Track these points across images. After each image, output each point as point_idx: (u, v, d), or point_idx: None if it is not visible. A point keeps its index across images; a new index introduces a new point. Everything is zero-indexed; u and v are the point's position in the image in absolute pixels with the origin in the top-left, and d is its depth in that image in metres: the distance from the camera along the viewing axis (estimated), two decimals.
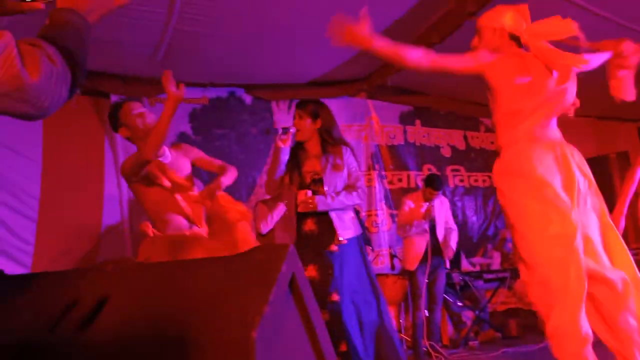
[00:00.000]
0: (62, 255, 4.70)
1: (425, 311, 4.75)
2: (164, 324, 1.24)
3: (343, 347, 2.80)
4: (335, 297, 2.87)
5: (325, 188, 3.06)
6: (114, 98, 5.23)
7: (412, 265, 4.74)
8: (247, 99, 5.81)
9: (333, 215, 3.04)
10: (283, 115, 5.94)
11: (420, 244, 4.74)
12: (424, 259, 4.70)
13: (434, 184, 4.86)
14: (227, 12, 4.15)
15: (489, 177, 6.82)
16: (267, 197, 5.07)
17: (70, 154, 5.00)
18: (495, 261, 6.29)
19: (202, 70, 5.22)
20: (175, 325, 1.22)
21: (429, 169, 6.38)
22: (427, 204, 4.78)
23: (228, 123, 5.70)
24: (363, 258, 3.08)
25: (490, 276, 5.82)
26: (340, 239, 2.98)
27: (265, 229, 4.38)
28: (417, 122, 6.64)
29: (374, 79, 5.86)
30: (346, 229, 3.03)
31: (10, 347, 1.28)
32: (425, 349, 4.67)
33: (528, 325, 5.77)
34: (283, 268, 1.25)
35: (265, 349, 1.06)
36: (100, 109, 5.27)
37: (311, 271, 2.91)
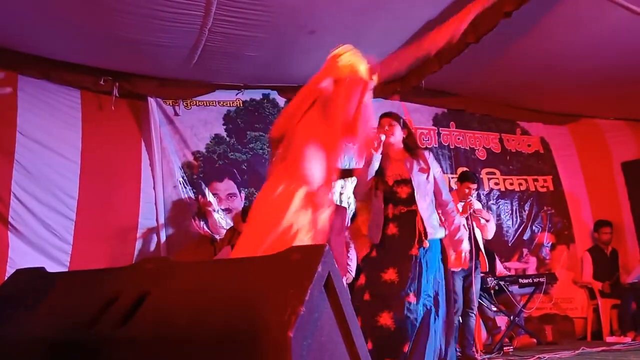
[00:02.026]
0: (99, 254, 4.80)
1: (460, 317, 4.67)
2: (202, 322, 1.25)
3: (405, 348, 2.87)
4: (412, 298, 2.94)
5: (414, 186, 3.14)
6: (150, 100, 5.34)
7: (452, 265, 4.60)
8: (281, 101, 5.84)
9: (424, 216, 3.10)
10: None
11: None
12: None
13: (470, 177, 4.80)
14: (262, 14, 4.18)
15: (525, 180, 6.70)
16: None
17: (108, 155, 5.12)
18: (531, 266, 6.17)
19: (236, 72, 5.27)
20: (212, 324, 1.23)
21: (479, 178, 6.31)
22: (465, 201, 4.71)
23: (262, 125, 5.74)
24: (444, 261, 3.17)
25: (525, 281, 5.70)
26: (425, 242, 3.05)
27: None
28: (452, 124, 6.57)
29: (408, 81, 5.81)
30: (431, 232, 3.09)
31: (52, 341, 1.32)
32: (458, 353, 4.60)
33: (564, 331, 5.64)
34: (319, 268, 1.25)
35: (301, 348, 1.06)
36: (137, 111, 5.38)
37: (391, 274, 2.99)
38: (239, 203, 5.48)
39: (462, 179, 4.87)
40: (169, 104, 5.43)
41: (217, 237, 5.27)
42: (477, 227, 4.74)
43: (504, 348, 5.29)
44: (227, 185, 5.50)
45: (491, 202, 6.47)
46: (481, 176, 6.50)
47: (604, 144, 6.80)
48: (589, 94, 6.20)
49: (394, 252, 3.05)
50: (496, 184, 6.58)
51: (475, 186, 4.81)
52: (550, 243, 6.29)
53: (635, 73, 5.22)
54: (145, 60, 4.90)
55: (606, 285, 5.96)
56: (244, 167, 5.58)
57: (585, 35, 4.79)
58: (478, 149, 6.62)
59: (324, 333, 1.22)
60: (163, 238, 5.12)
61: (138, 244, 5.11)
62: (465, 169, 6.31)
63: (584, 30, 4.70)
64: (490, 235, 4.88)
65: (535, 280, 5.72)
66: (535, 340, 5.51)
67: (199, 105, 5.55)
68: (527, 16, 4.43)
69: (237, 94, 5.66)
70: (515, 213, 6.53)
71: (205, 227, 5.28)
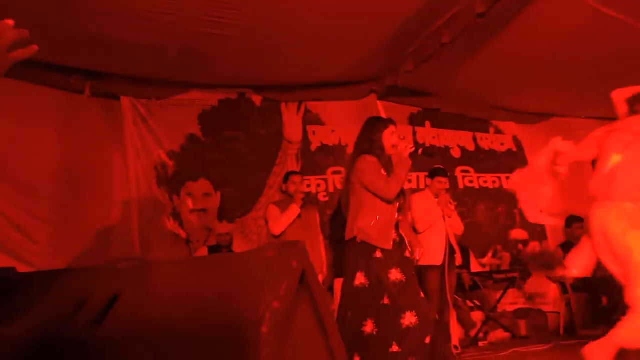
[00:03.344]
0: (72, 255, 4.72)
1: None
2: (176, 320, 1.25)
3: (427, 340, 3.06)
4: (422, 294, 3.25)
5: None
6: (124, 99, 5.27)
7: (431, 261, 4.63)
8: (257, 100, 5.83)
9: None
10: (292, 117, 5.96)
11: (436, 240, 4.67)
12: (438, 258, 4.65)
13: (440, 172, 4.84)
14: (237, 13, 4.17)
15: (499, 178, 6.80)
16: (277, 198, 5.08)
17: (81, 155, 5.04)
18: (505, 262, 6.27)
19: (212, 71, 5.24)
20: (186, 321, 1.23)
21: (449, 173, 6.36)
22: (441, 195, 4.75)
23: (238, 124, 5.72)
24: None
25: (500, 276, 5.80)
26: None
27: (277, 230, 4.37)
28: (427, 123, 6.63)
29: (385, 80, 5.86)
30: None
31: (25, 341, 1.30)
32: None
33: (537, 325, 5.74)
34: (294, 264, 1.26)
35: (276, 344, 1.07)
36: (110, 111, 5.30)
37: (396, 274, 3.08)
38: (214, 203, 5.45)
39: (432, 174, 4.91)
40: (143, 103, 5.37)
41: (192, 237, 5.23)
42: (449, 222, 4.78)
43: (479, 343, 5.38)
44: (202, 185, 5.46)
45: (466, 199, 6.55)
46: (456, 174, 6.58)
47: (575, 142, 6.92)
48: (561, 94, 6.34)
49: (399, 254, 3.17)
50: (470, 182, 6.67)
51: (445, 180, 4.85)
52: (523, 239, 6.40)
53: (605, 72, 5.34)
54: (118, 59, 4.84)
55: (578, 280, 6.09)
56: (220, 167, 5.55)
57: (557, 36, 4.88)
58: (453, 148, 6.70)
59: (299, 328, 1.23)
60: (137, 238, 5.06)
61: (112, 244, 5.05)
62: (439, 167, 6.37)
63: (555, 31, 4.79)
64: (460, 230, 4.93)
65: (509, 275, 5.82)
66: (509, 334, 5.60)
67: (174, 104, 5.51)
68: (501, 17, 4.51)
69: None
70: (490, 210, 6.62)
71: (180, 227, 5.24)
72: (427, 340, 3.05)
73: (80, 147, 5.05)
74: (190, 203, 5.36)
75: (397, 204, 3.28)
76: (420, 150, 3.42)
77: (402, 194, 3.33)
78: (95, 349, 1.25)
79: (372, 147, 3.29)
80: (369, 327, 2.99)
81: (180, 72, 5.20)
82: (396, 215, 3.26)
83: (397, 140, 3.35)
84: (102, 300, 1.36)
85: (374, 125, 3.39)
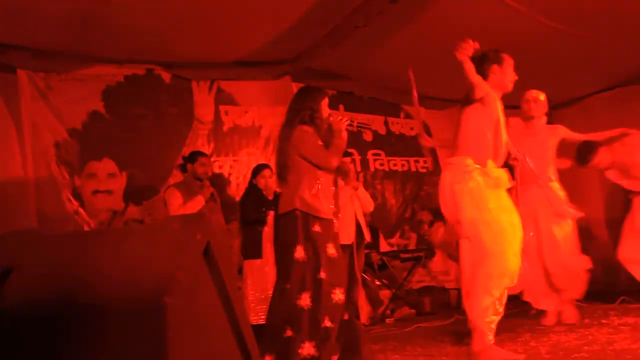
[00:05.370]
0: None
1: None
2: (75, 293, 1.20)
3: (346, 316, 3.25)
4: None
5: None
6: (21, 73, 4.91)
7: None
8: (166, 77, 5.62)
9: None
10: (204, 96, 5.81)
11: (345, 220, 4.78)
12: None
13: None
14: None
15: (407, 161, 7.05)
16: (178, 180, 4.92)
17: None
18: (412, 242, 6.54)
19: (117, 45, 4.98)
20: (87, 294, 1.19)
21: (351, 153, 6.48)
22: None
23: (145, 102, 5.49)
24: None
25: (406, 256, 6.05)
26: None
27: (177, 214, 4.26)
28: (341, 106, 6.72)
29: (299, 62, 5.86)
30: None
31: None
32: None
33: (441, 301, 6.06)
34: (197, 236, 1.24)
35: (179, 314, 1.05)
36: (4, 85, 4.91)
37: (331, 248, 3.14)
38: (120, 184, 5.22)
39: None
40: (42, 77, 5.02)
41: (94, 220, 4.99)
42: (358, 200, 4.92)
43: (386, 319, 5.59)
44: (106, 165, 5.20)
45: (376, 181, 6.75)
46: (368, 157, 6.75)
47: None
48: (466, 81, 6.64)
49: (333, 229, 3.23)
50: (381, 164, 6.86)
51: (348, 159, 4.97)
52: (429, 220, 6.70)
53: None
54: (15, 29, 4.47)
55: None
56: (125, 146, 5.31)
57: (466, 24, 5.09)
58: (365, 132, 6.85)
59: (203, 299, 1.22)
60: (35, 220, 4.75)
61: (8, 227, 4.70)
62: (352, 150, 6.50)
63: (465, 19, 5.00)
64: (370, 207, 5.09)
65: (415, 255, 6.08)
66: (414, 311, 5.86)
67: (76, 79, 5.19)
68: (414, 3, 4.63)
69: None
70: (398, 192, 6.87)
71: (81, 209, 4.97)
72: (346, 316, 3.20)
73: None
74: (93, 184, 5.09)
75: (334, 176, 3.32)
76: (355, 123, 3.49)
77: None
78: None
79: (313, 117, 3.26)
80: (304, 300, 3.00)
81: (84, 44, 4.89)
82: (333, 187, 3.30)
83: (328, 111, 3.37)
84: None
85: (311, 95, 3.36)
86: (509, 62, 3.38)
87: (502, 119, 3.28)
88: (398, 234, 6.71)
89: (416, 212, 6.87)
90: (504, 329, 3.90)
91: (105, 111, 5.28)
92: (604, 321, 3.88)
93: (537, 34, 4.90)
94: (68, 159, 5.05)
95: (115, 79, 5.37)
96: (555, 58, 5.54)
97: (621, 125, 4.52)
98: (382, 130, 6.99)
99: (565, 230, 4.18)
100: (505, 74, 3.34)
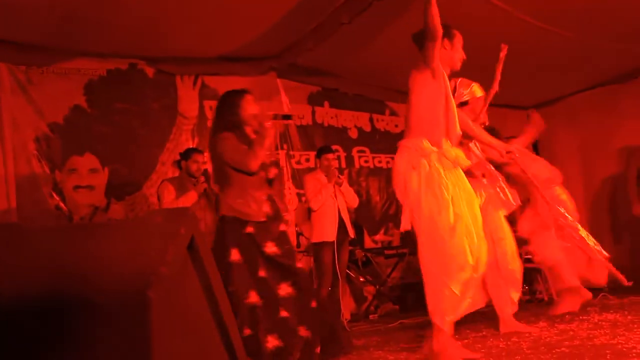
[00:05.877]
0: None
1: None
2: (59, 288, 1.18)
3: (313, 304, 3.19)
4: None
5: None
6: (0, 66, 4.82)
7: (324, 237, 4.78)
8: (150, 72, 5.56)
9: None
10: (188, 91, 5.76)
11: (328, 218, 4.82)
12: (330, 234, 4.79)
13: (325, 150, 5.06)
14: None
15: (392, 158, 7.05)
16: (172, 175, 4.92)
17: None
18: (396, 238, 6.57)
19: (100, 38, 4.91)
20: (71, 288, 1.17)
21: (336, 150, 6.50)
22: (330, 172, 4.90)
23: (128, 97, 5.42)
24: None
25: (390, 252, 6.07)
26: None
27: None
28: (326, 103, 6.72)
29: (284, 58, 5.83)
30: None
31: None
32: None
33: (423, 297, 6.09)
34: (181, 230, 1.23)
35: (162, 308, 1.04)
36: None
37: (272, 247, 3.14)
38: (102, 180, 5.15)
39: (319, 153, 5.11)
40: (23, 70, 4.94)
41: (76, 215, 4.93)
42: (341, 197, 4.95)
43: (370, 315, 5.61)
44: (88, 161, 5.12)
45: (361, 178, 6.76)
46: (353, 154, 6.76)
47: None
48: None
49: (274, 229, 3.21)
50: (366, 161, 6.88)
51: (332, 156, 5.07)
52: None
53: (493, 60, 5.69)
54: None
55: None
56: (108, 141, 5.24)
57: (451, 22, 5.11)
58: (350, 128, 6.86)
59: (187, 293, 1.20)
60: (15, 216, 4.67)
61: None
62: (337, 147, 6.51)
63: (449, 19, 5.00)
64: (355, 203, 5.12)
65: (399, 251, 6.11)
66: (398, 307, 5.89)
67: (57, 73, 5.11)
68: (398, 1, 4.64)
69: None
70: (383, 189, 6.89)
71: (62, 204, 4.91)
72: (313, 304, 3.16)
73: None
74: (74, 179, 5.02)
75: (266, 176, 3.31)
76: (285, 110, 3.47)
77: (274, 165, 3.35)
78: None
79: (233, 122, 3.25)
80: (253, 297, 3.03)
81: (66, 38, 4.81)
82: (267, 188, 3.30)
83: (257, 109, 3.34)
84: None
85: (229, 99, 3.33)
86: (459, 38, 3.26)
87: (451, 96, 3.18)
88: (382, 231, 6.73)
89: (400, 209, 6.88)
90: (486, 325, 3.94)
91: (88, 106, 5.21)
92: (584, 317, 3.93)
93: (521, 33, 4.94)
94: (49, 154, 4.98)
95: (98, 73, 5.30)
96: (539, 57, 5.60)
97: (603, 123, 4.54)
98: (367, 127, 7.01)
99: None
100: (456, 49, 3.25)
